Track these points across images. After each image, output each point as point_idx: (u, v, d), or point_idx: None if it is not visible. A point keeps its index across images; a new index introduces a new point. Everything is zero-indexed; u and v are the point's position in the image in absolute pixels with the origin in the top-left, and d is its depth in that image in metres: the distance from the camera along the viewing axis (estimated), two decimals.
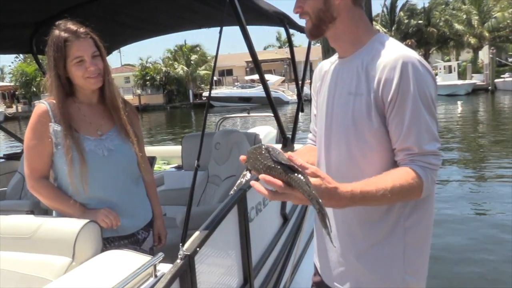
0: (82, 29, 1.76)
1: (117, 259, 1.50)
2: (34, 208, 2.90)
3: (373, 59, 1.27)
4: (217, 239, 1.74)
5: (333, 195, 1.09)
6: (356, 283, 1.39)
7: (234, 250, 1.98)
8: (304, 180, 1.02)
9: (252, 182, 1.08)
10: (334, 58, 1.48)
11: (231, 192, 1.24)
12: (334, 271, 1.44)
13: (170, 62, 43.68)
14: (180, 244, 1.48)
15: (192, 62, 42.88)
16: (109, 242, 1.79)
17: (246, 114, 6.09)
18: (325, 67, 1.51)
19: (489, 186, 7.80)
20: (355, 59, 1.33)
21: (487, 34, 37.51)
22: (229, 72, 47.90)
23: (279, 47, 57.60)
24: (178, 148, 4.17)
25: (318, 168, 1.11)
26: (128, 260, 1.47)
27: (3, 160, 4.17)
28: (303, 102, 3.55)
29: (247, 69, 45.56)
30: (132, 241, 1.88)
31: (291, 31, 3.61)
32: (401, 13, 43.17)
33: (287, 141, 2.97)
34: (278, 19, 3.31)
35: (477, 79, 33.25)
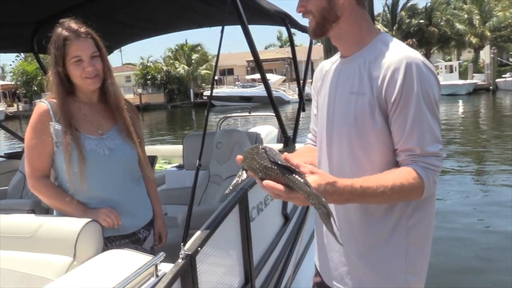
0: (83, 29, 1.76)
1: (118, 258, 1.50)
2: (35, 207, 2.90)
3: (376, 59, 1.27)
4: (218, 239, 1.74)
5: (333, 190, 1.09)
6: (358, 283, 1.39)
7: (235, 250, 1.98)
8: (302, 181, 1.02)
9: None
10: (335, 57, 1.48)
11: (227, 191, 1.24)
12: (336, 271, 1.44)
13: (171, 61, 43.68)
14: (182, 243, 1.48)
15: (193, 61, 42.88)
16: (110, 241, 1.79)
17: (248, 114, 6.10)
18: (326, 67, 1.51)
19: (490, 186, 7.78)
20: (357, 58, 1.33)
21: (488, 34, 37.45)
22: (230, 71, 47.88)
23: (280, 47, 57.58)
24: (179, 147, 4.17)
25: (314, 167, 1.11)
26: (130, 260, 1.46)
27: (4, 159, 4.17)
28: (304, 102, 3.54)
29: (248, 68, 45.54)
30: (133, 240, 1.87)
31: (292, 30, 3.61)
32: (402, 13, 43.09)
33: (288, 141, 2.97)
34: (280, 18, 3.30)
35: (478, 79, 33.21)
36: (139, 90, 42.41)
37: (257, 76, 36.63)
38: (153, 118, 31.68)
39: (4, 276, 1.52)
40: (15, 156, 4.06)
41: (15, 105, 43.17)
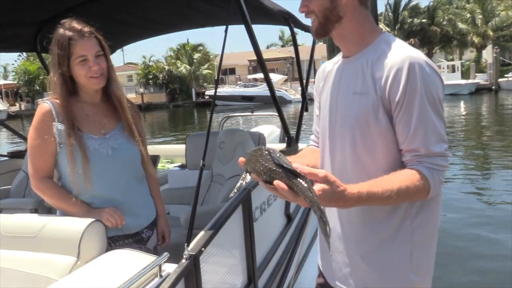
0: (86, 28, 1.76)
1: (122, 258, 1.50)
2: (38, 206, 2.91)
3: (379, 59, 1.27)
4: (221, 239, 1.73)
5: (340, 198, 1.10)
6: (362, 283, 1.38)
7: (238, 250, 1.98)
8: (306, 186, 1.01)
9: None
10: (337, 58, 1.47)
11: (231, 194, 1.23)
12: (339, 272, 1.44)
13: (173, 60, 43.70)
14: (185, 244, 1.48)
15: (195, 60, 42.91)
16: (114, 241, 1.79)
17: (250, 113, 6.10)
18: (328, 67, 1.51)
19: (491, 187, 7.76)
20: (360, 58, 1.33)
21: (491, 33, 37.37)
22: (232, 71, 47.88)
23: (282, 46, 57.51)
24: (182, 147, 4.17)
25: (328, 172, 1.11)
26: (133, 260, 1.46)
27: (7, 158, 4.18)
28: (307, 101, 3.54)
29: (250, 68, 45.56)
30: (136, 240, 1.87)
31: (295, 30, 3.60)
32: (405, 12, 43.06)
33: (291, 140, 2.97)
34: (283, 18, 3.30)
35: (480, 79, 33.18)
36: (141, 90, 42.47)
37: (259, 75, 36.66)
38: (155, 118, 31.73)
39: (8, 276, 1.52)
40: (18, 155, 4.07)
41: (17, 104, 43.30)
